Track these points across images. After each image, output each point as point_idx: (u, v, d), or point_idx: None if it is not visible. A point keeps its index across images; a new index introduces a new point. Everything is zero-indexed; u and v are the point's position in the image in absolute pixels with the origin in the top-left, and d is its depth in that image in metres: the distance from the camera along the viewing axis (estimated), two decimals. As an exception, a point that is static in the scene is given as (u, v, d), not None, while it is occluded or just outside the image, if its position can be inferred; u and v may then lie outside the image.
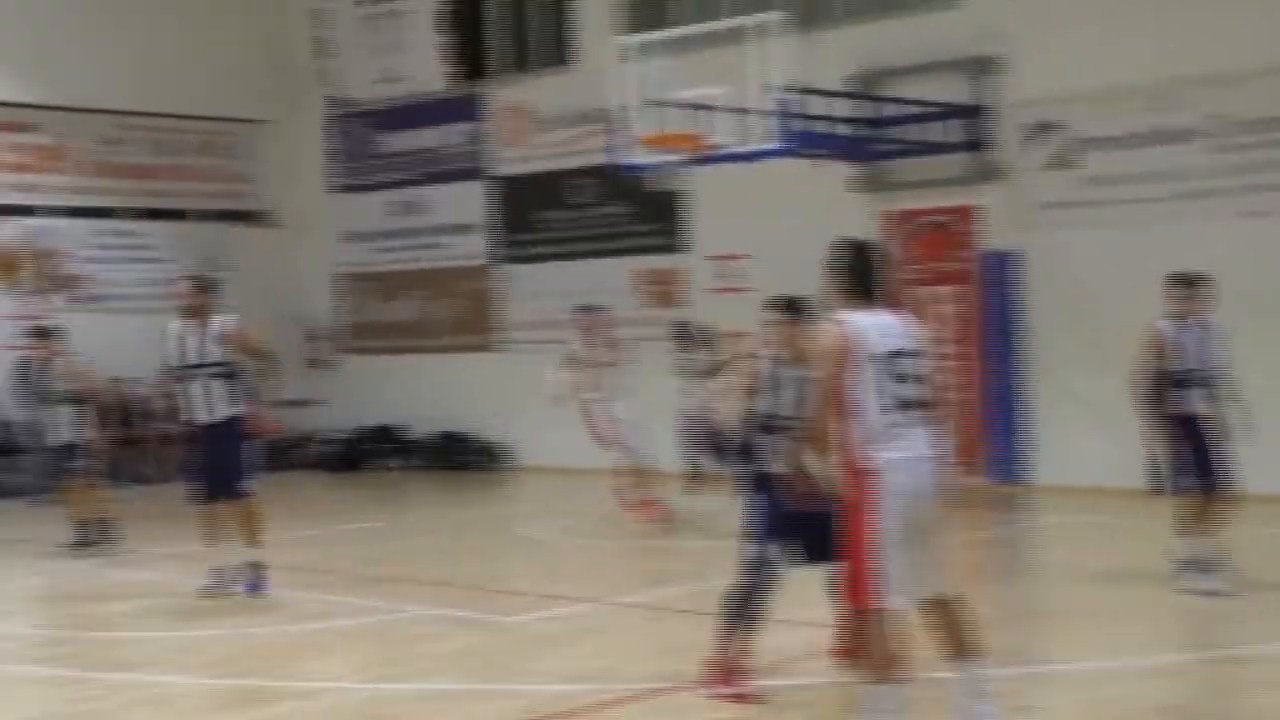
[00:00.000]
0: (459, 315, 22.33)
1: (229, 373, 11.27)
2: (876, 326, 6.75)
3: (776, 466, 7.52)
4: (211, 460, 11.35)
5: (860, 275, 6.83)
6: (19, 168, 21.49)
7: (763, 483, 7.77)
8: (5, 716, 8.43)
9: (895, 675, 6.72)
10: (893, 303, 6.91)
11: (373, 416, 22.74)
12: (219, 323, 11.37)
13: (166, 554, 13.58)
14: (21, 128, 21.55)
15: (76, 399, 14.25)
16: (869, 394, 6.71)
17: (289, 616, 10.84)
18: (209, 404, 11.25)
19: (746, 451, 7.92)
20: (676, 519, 14.89)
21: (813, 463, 7.10)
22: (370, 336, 23.40)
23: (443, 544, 15.01)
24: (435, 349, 22.52)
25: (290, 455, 22.70)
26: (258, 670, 9.11)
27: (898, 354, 6.77)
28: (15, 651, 10.13)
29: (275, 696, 8.46)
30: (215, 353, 11.24)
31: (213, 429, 11.29)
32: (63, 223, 21.69)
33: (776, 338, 7.81)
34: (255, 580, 11.42)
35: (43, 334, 14.90)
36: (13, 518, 17.26)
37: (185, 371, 11.29)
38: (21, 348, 18.78)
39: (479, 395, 21.66)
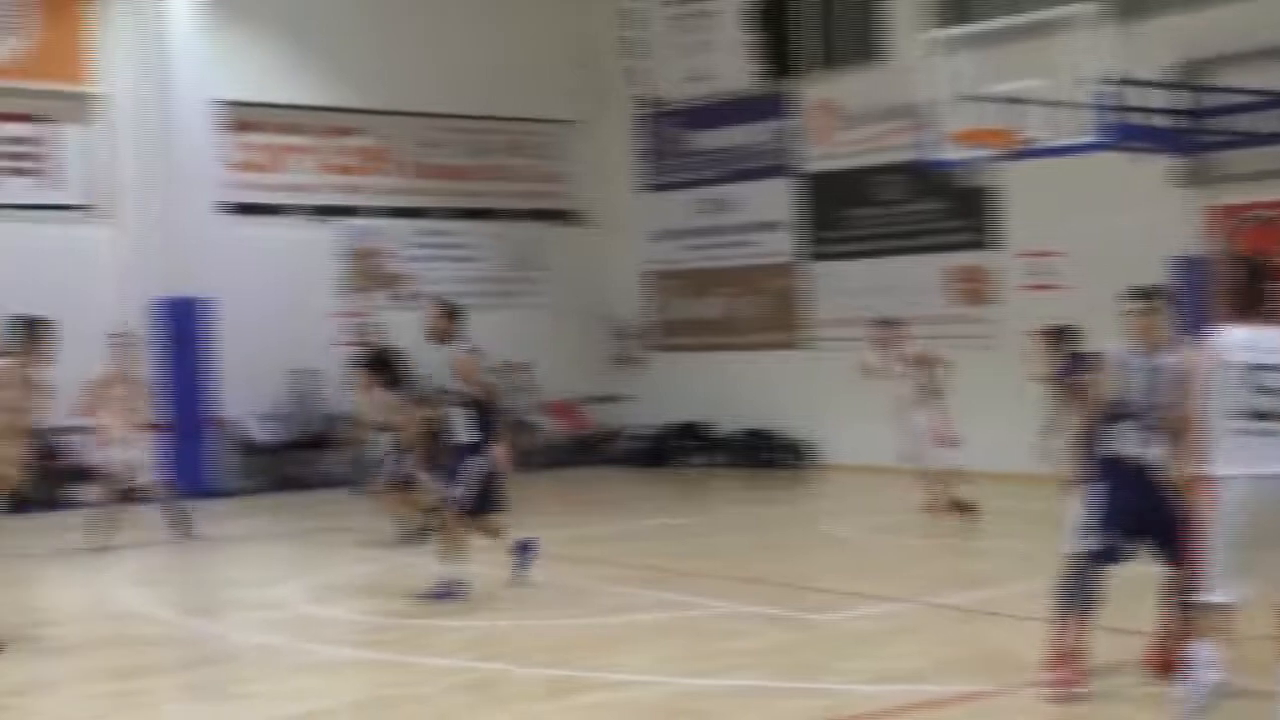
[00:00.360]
0: (766, 313, 22.36)
1: (465, 402, 11.36)
2: (1248, 339, 6.65)
3: (1124, 450, 7.72)
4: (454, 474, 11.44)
5: (1250, 291, 6.80)
6: (345, 170, 22.39)
7: (1108, 470, 7.81)
8: (337, 698, 8.77)
9: (1208, 674, 6.50)
10: (1275, 317, 6.80)
11: (679, 413, 22.96)
12: (451, 351, 11.43)
13: (480, 543, 13.89)
14: (348, 132, 22.43)
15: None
16: (1220, 404, 6.65)
17: (597, 609, 10.99)
18: (457, 429, 11.43)
19: (1090, 440, 7.96)
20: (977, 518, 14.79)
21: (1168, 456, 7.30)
22: (677, 334, 23.63)
23: (749, 540, 15.04)
24: (742, 346, 22.60)
25: (598, 450, 23.14)
26: (568, 661, 9.27)
27: (1263, 367, 6.63)
28: (344, 636, 10.54)
29: (585, 687, 8.59)
30: (452, 383, 11.42)
31: (460, 450, 11.39)
32: (384, 223, 22.49)
33: (1133, 326, 7.92)
34: (441, 591, 11.32)
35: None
36: (337, 508, 17.96)
37: (441, 396, 11.51)
38: (352, 343, 19.62)
39: (785, 392, 21.66)
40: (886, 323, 15.97)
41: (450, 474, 11.48)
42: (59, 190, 20.11)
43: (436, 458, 12.74)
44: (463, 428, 11.37)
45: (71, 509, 17.10)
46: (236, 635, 10.69)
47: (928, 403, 15.41)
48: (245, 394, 20.41)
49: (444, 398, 11.52)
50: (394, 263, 22.41)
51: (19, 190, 19.86)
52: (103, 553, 14.51)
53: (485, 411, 11.37)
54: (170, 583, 13.52)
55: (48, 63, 19.69)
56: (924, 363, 15.60)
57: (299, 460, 20.72)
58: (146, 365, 19.27)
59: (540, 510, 17.61)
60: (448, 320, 11.53)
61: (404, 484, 14.53)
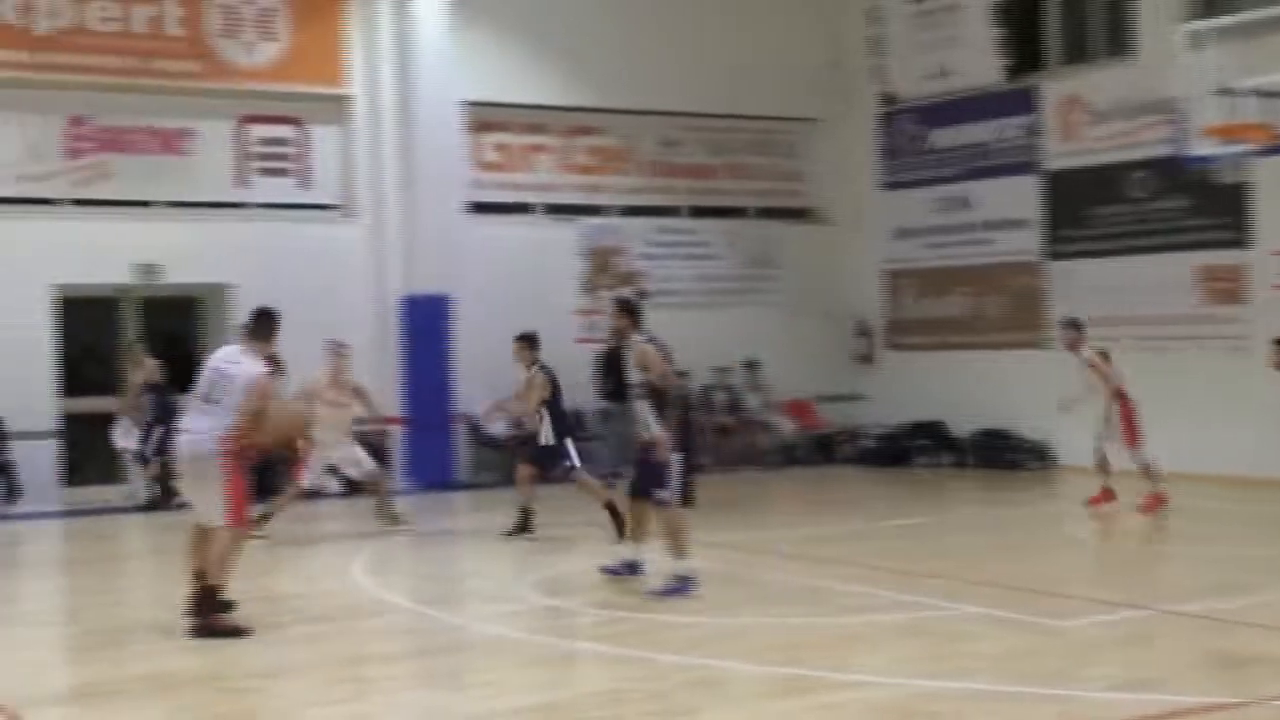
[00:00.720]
0: (1008, 312, 21.97)
1: (644, 394, 11.50)
2: None
3: None
4: (641, 467, 11.67)
5: None
6: (585, 169, 22.65)
7: None
8: (571, 690, 8.88)
9: None
10: None
11: (915, 413, 22.69)
12: (632, 344, 11.77)
13: (715, 541, 13.94)
14: (589, 131, 22.69)
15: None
16: None
17: (833, 609, 10.95)
18: (642, 421, 11.57)
19: None
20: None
21: None
22: (914, 333, 23.36)
23: (986, 542, 14.80)
24: (980, 345, 22.25)
25: (835, 449, 23.02)
26: (803, 659, 9.21)
27: None
28: (577, 630, 10.64)
29: (821, 686, 8.54)
30: (634, 375, 11.63)
31: (644, 443, 11.56)
32: (623, 221, 22.69)
33: None
34: (673, 587, 11.38)
35: None
36: (569, 502, 18.18)
37: (628, 390, 11.76)
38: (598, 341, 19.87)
39: (1025, 393, 21.26)
40: (1071, 324, 15.94)
41: (642, 469, 11.61)
42: (313, 190, 20.76)
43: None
44: (649, 420, 11.48)
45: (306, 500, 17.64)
46: (473, 626, 10.87)
47: (1112, 404, 15.33)
48: (485, 390, 20.77)
49: (633, 391, 11.67)
50: (632, 261, 22.59)
51: (276, 190, 20.56)
52: (337, 541, 14.95)
53: (664, 402, 11.48)
54: (406, 573, 13.84)
55: (303, 66, 20.35)
56: (1101, 365, 15.55)
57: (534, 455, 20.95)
58: (395, 362, 19.87)
59: (776, 509, 17.65)
60: (627, 318, 11.83)
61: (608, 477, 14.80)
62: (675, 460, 11.40)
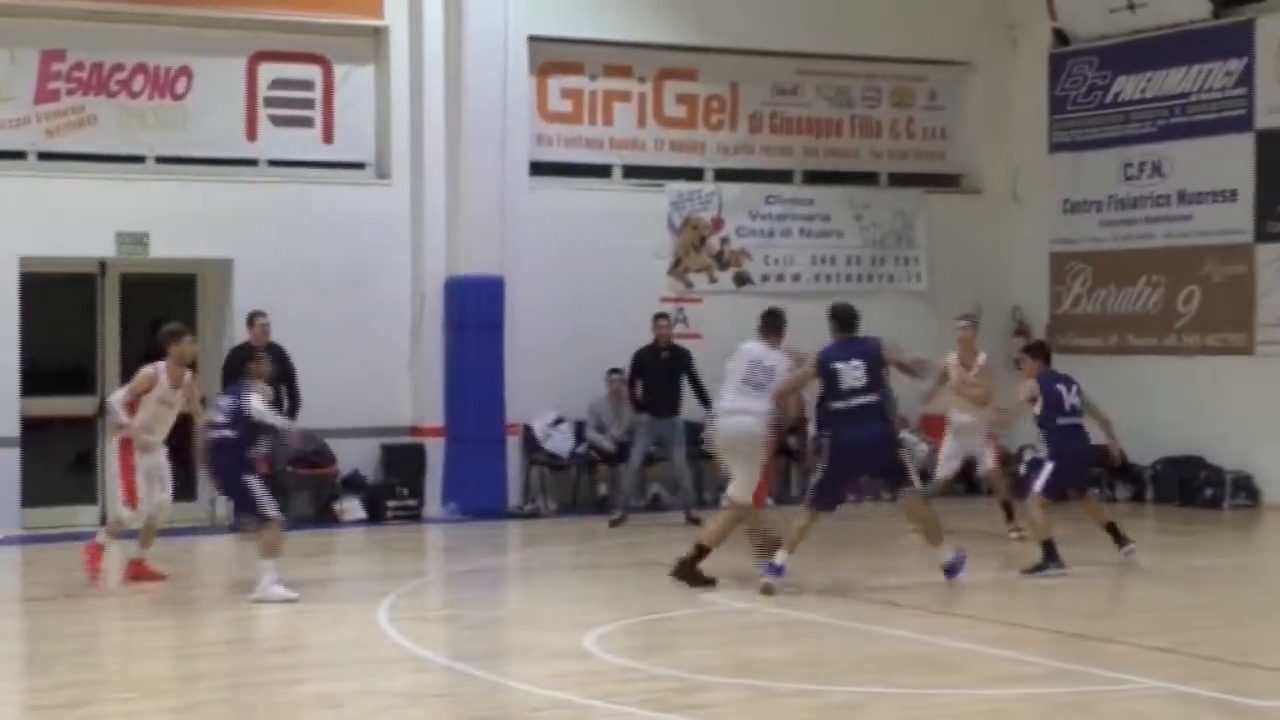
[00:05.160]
0: (1208, 307, 21.63)
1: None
2: None
3: None
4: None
5: None
6: (678, 123, 22.54)
7: None
8: None
9: None
10: None
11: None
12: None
13: (825, 588, 13.81)
14: (684, 75, 22.60)
15: None
16: None
17: (976, 678, 10.95)
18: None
19: None
20: None
21: None
22: (1089, 332, 23.04)
23: (1169, 599, 14.60)
24: (1173, 350, 21.91)
25: (977, 476, 22.73)
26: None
27: None
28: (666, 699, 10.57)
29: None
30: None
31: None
32: (723, 188, 22.57)
33: None
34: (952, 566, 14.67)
35: None
36: (657, 534, 18.11)
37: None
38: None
39: (1227, 411, 20.92)
40: None
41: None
42: (338, 146, 20.81)
43: None
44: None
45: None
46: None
47: None
48: (549, 396, 20.74)
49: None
50: (733, 238, 22.47)
51: (293, 145, 20.65)
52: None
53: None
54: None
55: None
56: None
57: (609, 477, 20.97)
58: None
59: (898, 549, 17.41)
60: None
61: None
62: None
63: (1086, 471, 16.59)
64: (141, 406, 14.94)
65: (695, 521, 18.77)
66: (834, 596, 14.03)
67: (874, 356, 14.36)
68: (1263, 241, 21.00)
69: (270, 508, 14.08)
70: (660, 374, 19.81)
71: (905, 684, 10.65)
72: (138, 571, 15.07)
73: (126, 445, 14.92)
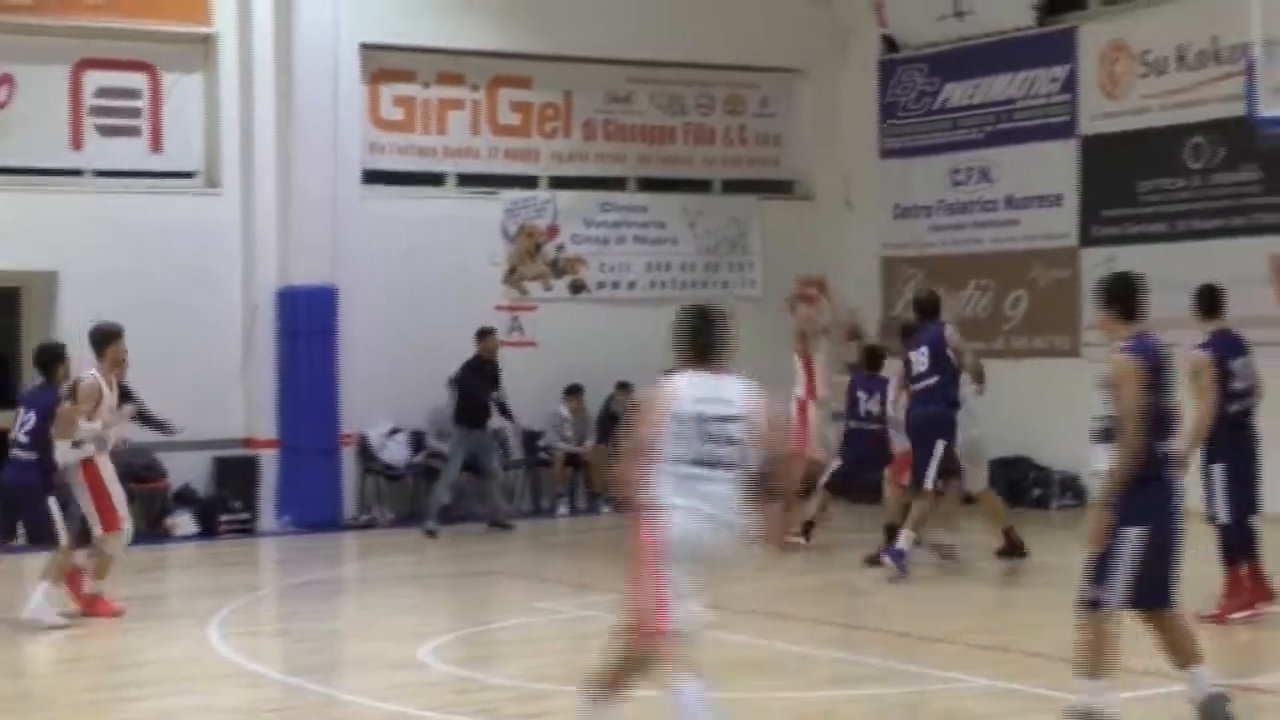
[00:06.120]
0: (1035, 311, 21.96)
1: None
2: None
3: None
4: None
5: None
6: (513, 130, 22.52)
7: None
8: None
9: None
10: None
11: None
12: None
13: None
14: (520, 82, 22.58)
15: None
16: None
17: (810, 681, 11.08)
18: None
19: None
20: None
21: None
22: (922, 336, 23.31)
23: (999, 598, 14.80)
24: (1001, 353, 22.13)
25: (811, 483, 22.91)
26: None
27: None
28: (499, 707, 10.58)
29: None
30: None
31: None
32: (558, 195, 22.60)
33: None
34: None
35: None
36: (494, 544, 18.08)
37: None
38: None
39: (1054, 413, 21.22)
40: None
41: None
42: (167, 155, 20.58)
43: None
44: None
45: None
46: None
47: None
48: (384, 406, 20.66)
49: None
50: (568, 245, 22.50)
51: (120, 154, 20.38)
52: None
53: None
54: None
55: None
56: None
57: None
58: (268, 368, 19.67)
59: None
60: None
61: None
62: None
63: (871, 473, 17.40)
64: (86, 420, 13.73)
65: (506, 527, 18.96)
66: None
67: (939, 341, 15.83)
68: (1087, 245, 21.40)
69: (63, 532, 13.42)
70: (481, 387, 19.87)
71: (740, 688, 10.67)
72: (96, 606, 13.84)
73: (89, 468, 13.71)
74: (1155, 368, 9.05)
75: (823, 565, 16.54)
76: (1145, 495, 8.91)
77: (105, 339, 14.04)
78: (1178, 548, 9.12)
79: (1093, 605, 9.10)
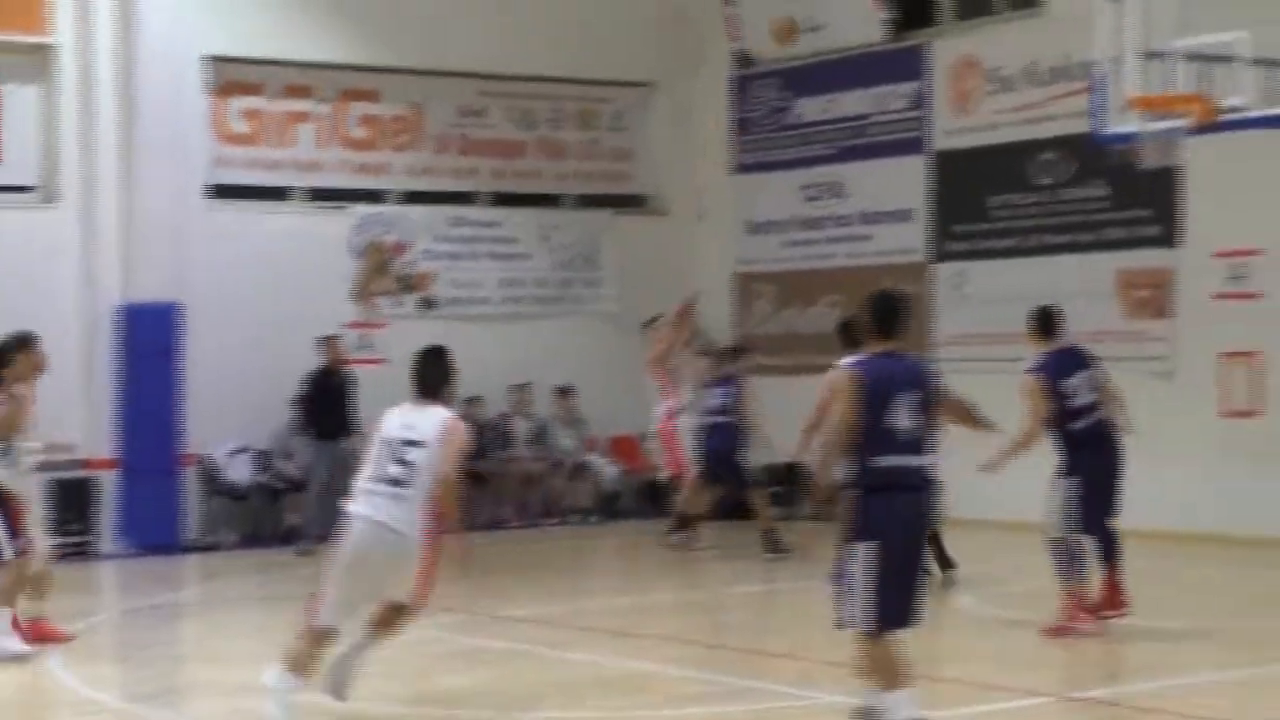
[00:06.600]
0: (888, 326, 22.08)
1: None
2: None
3: None
4: None
5: None
6: (361, 144, 22.37)
7: None
8: None
9: None
10: None
11: (771, 453, 22.48)
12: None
13: (515, 615, 13.76)
14: (369, 96, 22.43)
15: None
16: None
17: (661, 699, 11.00)
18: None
19: None
20: None
21: None
22: (774, 352, 23.28)
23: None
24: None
25: (668, 500, 22.89)
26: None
27: None
28: None
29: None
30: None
31: None
32: (408, 210, 22.46)
33: None
34: None
35: None
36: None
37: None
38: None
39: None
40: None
41: None
42: (3, 168, 20.22)
43: None
44: None
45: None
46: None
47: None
48: (231, 425, 20.39)
49: None
50: (418, 261, 22.35)
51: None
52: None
53: None
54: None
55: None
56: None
57: (298, 506, 20.62)
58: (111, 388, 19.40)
59: (592, 574, 17.49)
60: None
61: None
62: None
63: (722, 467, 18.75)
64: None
65: None
66: (525, 623, 13.99)
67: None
68: (937, 261, 21.54)
69: (9, 548, 12.97)
70: (334, 397, 19.65)
71: (590, 708, 10.68)
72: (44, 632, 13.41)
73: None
74: (878, 386, 9.29)
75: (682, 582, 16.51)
76: (871, 510, 8.97)
77: (23, 345, 13.48)
78: (913, 562, 9.23)
79: (839, 626, 9.12)
